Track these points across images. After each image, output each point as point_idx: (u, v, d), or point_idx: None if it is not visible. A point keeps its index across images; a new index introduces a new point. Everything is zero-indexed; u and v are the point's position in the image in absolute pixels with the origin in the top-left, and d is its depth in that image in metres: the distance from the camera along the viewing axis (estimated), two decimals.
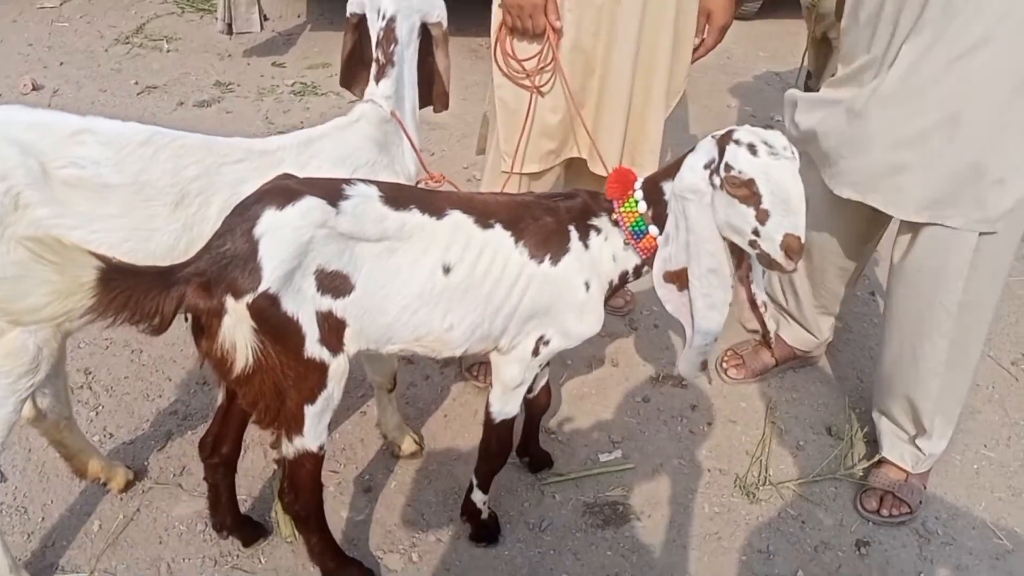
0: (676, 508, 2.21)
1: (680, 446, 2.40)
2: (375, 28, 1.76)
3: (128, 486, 2.04)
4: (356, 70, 1.95)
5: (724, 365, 2.66)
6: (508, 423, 1.85)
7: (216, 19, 4.23)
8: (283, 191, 1.40)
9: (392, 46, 1.76)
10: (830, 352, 2.79)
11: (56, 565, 1.88)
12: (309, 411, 1.52)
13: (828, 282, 2.46)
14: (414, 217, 1.51)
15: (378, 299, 1.50)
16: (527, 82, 2.11)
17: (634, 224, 1.62)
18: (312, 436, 1.55)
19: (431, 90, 1.94)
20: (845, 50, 2.08)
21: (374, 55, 1.77)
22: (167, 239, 1.49)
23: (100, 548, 1.92)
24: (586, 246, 1.65)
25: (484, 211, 1.60)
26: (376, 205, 1.48)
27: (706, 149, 1.49)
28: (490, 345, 1.69)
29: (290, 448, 1.56)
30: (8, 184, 1.33)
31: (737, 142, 1.43)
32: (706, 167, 1.48)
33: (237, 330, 1.37)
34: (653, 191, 1.61)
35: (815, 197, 2.28)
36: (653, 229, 1.61)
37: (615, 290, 1.75)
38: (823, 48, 3.83)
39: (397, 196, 1.52)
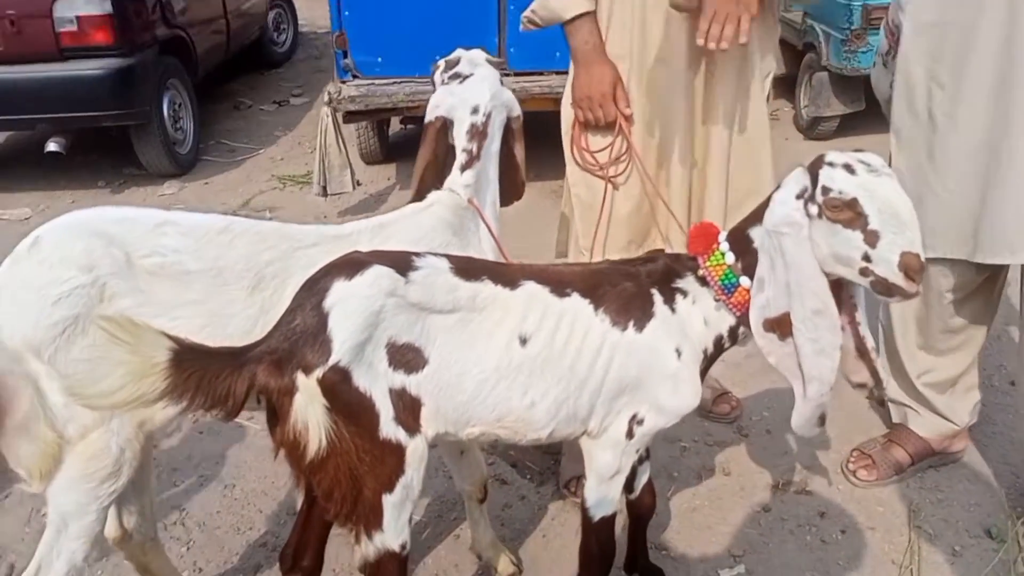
0: None
1: (812, 558, 2.11)
2: (464, 125, 1.82)
3: None
4: (431, 180, 2.00)
5: (851, 467, 2.39)
6: (608, 521, 1.67)
7: (313, 184, 4.54)
8: (351, 263, 1.39)
9: (483, 141, 1.81)
10: (974, 449, 2.47)
11: None
12: (388, 501, 1.41)
13: (951, 339, 2.23)
14: (486, 288, 1.46)
15: (453, 374, 1.43)
16: (601, 174, 2.11)
17: (723, 277, 1.52)
18: (393, 531, 1.43)
19: (503, 184, 1.95)
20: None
21: (462, 147, 1.81)
22: (244, 323, 1.49)
23: None
24: (672, 310, 1.54)
25: (559, 280, 1.53)
26: (447, 276, 1.44)
27: (796, 179, 1.41)
28: (578, 427, 1.56)
29: (370, 547, 1.44)
30: (95, 275, 1.38)
31: (831, 164, 1.37)
32: (799, 197, 1.39)
33: (309, 409, 1.32)
34: (740, 240, 1.52)
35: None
36: (745, 281, 1.51)
37: (711, 360, 1.61)
38: None
39: (468, 267, 1.48)
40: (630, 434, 1.56)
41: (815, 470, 2.42)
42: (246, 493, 2.42)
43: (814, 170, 1.39)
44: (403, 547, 1.46)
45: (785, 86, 5.98)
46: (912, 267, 1.31)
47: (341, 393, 1.32)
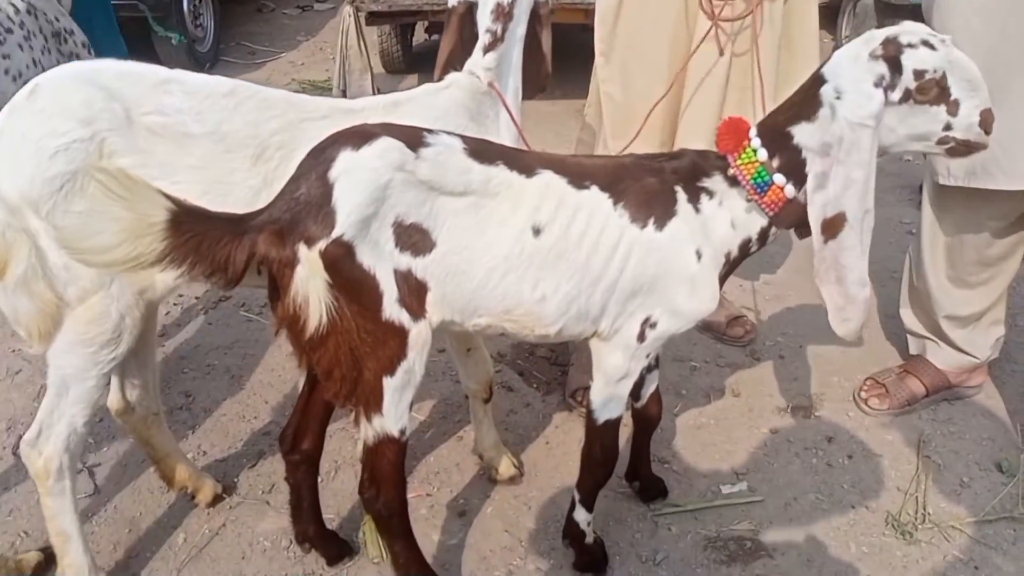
0: (815, 546, 1.89)
1: (816, 479, 2.09)
2: (489, 4, 1.71)
3: (216, 500, 1.95)
4: (453, 67, 1.91)
5: (864, 395, 2.34)
6: (612, 425, 1.64)
7: (333, 87, 4.43)
8: (360, 133, 1.31)
9: (508, 23, 1.71)
10: (991, 385, 2.42)
11: (138, 575, 1.79)
12: (388, 384, 1.38)
13: (982, 273, 2.16)
14: (501, 173, 1.38)
15: (462, 260, 1.37)
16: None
17: (756, 175, 1.44)
18: (393, 416, 1.41)
19: (526, 73, 1.86)
20: None
21: (486, 28, 1.71)
22: (246, 194, 1.44)
23: (183, 560, 1.82)
24: (697, 210, 1.47)
25: (579, 172, 1.45)
26: (460, 156, 1.36)
27: (864, 69, 1.35)
28: (588, 327, 1.52)
29: (369, 431, 1.42)
30: (94, 129, 1.32)
31: (911, 45, 1.34)
32: (878, 86, 1.34)
33: (310, 283, 1.27)
34: (775, 137, 1.44)
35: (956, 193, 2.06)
36: (779, 178, 1.43)
37: (734, 265, 1.55)
38: None
39: (483, 150, 1.40)
40: (642, 337, 1.52)
41: (826, 397, 2.38)
42: (252, 384, 2.42)
43: (891, 54, 1.33)
44: (402, 432, 1.44)
45: (826, 14, 5.72)
46: (989, 121, 1.37)
47: (344, 269, 1.27)
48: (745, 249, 1.52)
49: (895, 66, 1.34)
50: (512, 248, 1.39)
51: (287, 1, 6.95)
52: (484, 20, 1.72)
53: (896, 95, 1.35)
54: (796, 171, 1.43)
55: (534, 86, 1.90)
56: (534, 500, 2.01)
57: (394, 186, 1.29)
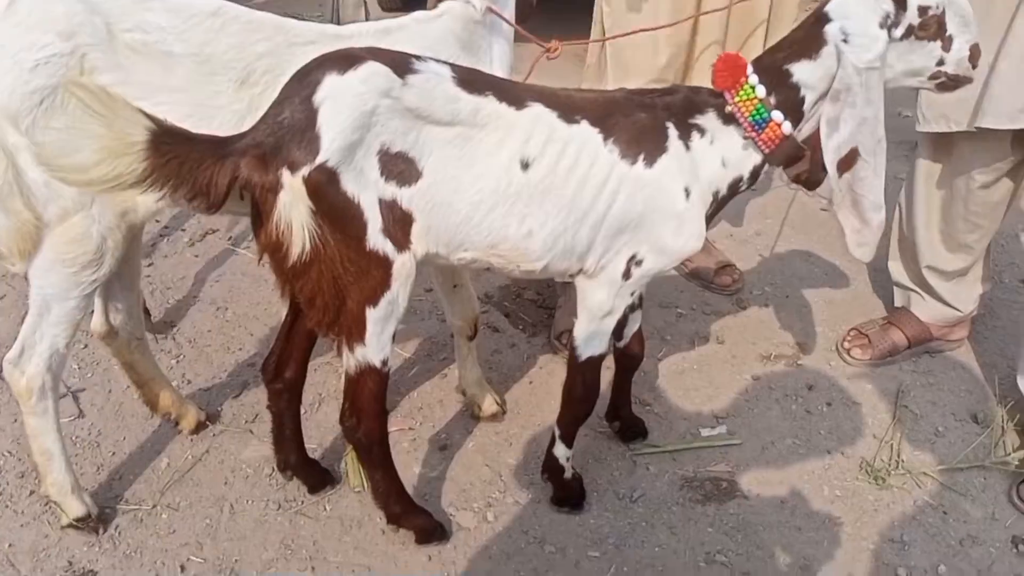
0: (790, 489, 1.93)
1: (795, 425, 2.12)
2: None
3: (199, 428, 1.97)
4: None
5: (846, 345, 2.36)
6: (595, 362, 1.65)
7: (325, 19, 4.34)
8: (346, 57, 1.28)
9: None
10: (973, 340, 2.44)
11: (121, 497, 1.81)
12: (371, 315, 1.38)
13: (970, 231, 2.16)
14: (490, 104, 1.36)
15: (448, 192, 1.35)
16: None
17: (754, 113, 1.43)
18: (375, 347, 1.41)
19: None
20: None
21: None
22: (230, 119, 1.41)
23: (165, 483, 1.84)
24: (687, 147, 1.46)
25: (569, 105, 1.43)
26: (448, 85, 1.33)
27: (870, 7, 1.37)
28: (574, 264, 1.51)
29: (351, 360, 1.43)
30: (74, 44, 1.29)
31: None
32: (882, 26, 1.36)
33: (294, 209, 1.25)
34: (773, 74, 1.43)
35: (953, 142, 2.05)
36: (777, 115, 1.43)
37: (722, 204, 1.55)
38: None
39: (472, 79, 1.38)
40: (627, 274, 1.52)
41: (809, 347, 2.40)
42: (238, 316, 2.42)
43: None
44: (384, 363, 1.44)
45: None
46: (976, 56, 1.43)
47: (327, 195, 1.26)
48: (735, 188, 1.52)
49: (900, 3, 1.35)
50: (499, 182, 1.37)
51: None
52: None
53: (899, 32, 1.37)
54: (793, 108, 1.43)
55: (524, 9, 1.85)
56: (515, 436, 2.04)
57: (380, 113, 1.26)
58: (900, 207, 2.33)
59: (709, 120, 1.47)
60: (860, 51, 1.36)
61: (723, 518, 1.84)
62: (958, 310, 2.28)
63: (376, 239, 1.32)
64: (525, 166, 1.38)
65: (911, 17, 1.37)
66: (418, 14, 1.66)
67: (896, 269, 2.38)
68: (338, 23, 4.31)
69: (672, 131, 1.45)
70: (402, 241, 1.35)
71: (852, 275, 2.74)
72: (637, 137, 1.43)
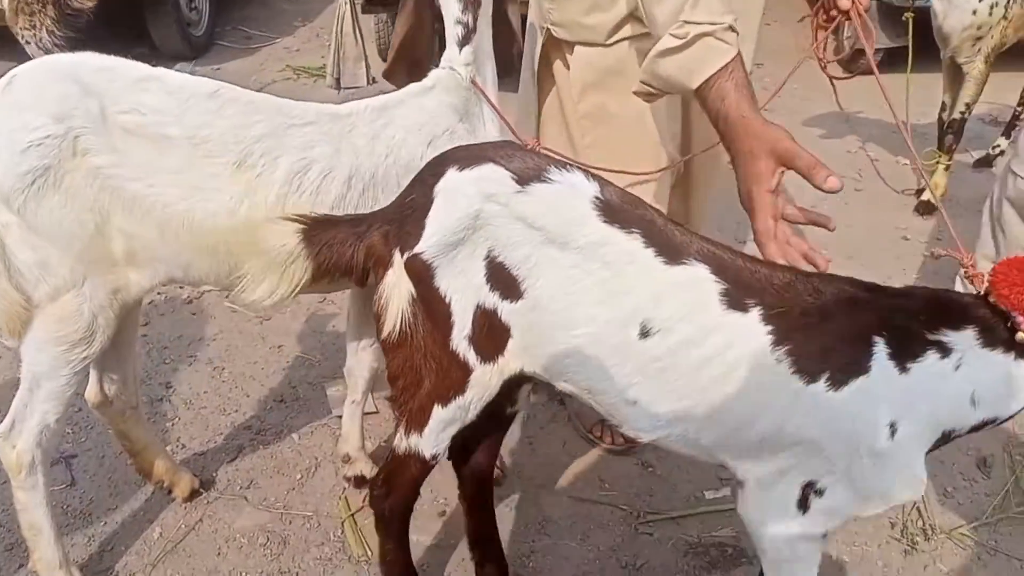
0: None
1: None
2: None
3: (193, 495, 1.93)
4: (403, 58, 1.88)
5: None
6: None
7: (327, 75, 4.38)
8: (476, 152, 1.25)
9: (478, 9, 1.65)
10: None
11: (112, 569, 1.77)
12: (437, 412, 1.31)
13: None
14: (630, 243, 1.14)
15: (549, 321, 1.20)
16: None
17: None
18: (430, 442, 1.34)
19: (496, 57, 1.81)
20: None
21: (456, 19, 1.65)
22: (228, 201, 1.40)
23: (157, 555, 1.80)
24: (903, 369, 1.10)
25: (745, 282, 1.13)
26: (581, 204, 1.17)
27: None
28: (704, 456, 1.25)
29: (403, 442, 1.36)
30: (67, 126, 1.29)
31: None
32: None
33: (395, 288, 1.24)
34: None
35: None
36: None
37: (946, 441, 1.18)
38: (955, 76, 3.54)
39: (623, 209, 1.17)
40: (803, 504, 1.18)
41: None
42: (234, 376, 2.40)
43: None
44: (433, 458, 1.37)
45: None
46: None
47: (422, 285, 1.23)
48: (983, 427, 1.16)
49: None
50: (607, 335, 1.17)
51: None
52: (452, 10, 1.65)
53: None
54: None
55: (505, 66, 1.86)
56: (514, 501, 2.00)
57: (487, 217, 1.18)
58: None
59: (963, 339, 1.11)
60: None
61: None
62: None
63: (460, 343, 1.25)
64: (644, 333, 1.14)
65: None
66: (412, 87, 1.67)
67: None
68: (339, 75, 4.36)
69: (880, 347, 1.11)
70: (490, 353, 1.25)
71: None
72: (826, 349, 1.11)
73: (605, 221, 1.16)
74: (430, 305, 1.24)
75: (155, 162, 1.36)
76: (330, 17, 5.90)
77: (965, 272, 1.16)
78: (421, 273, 1.22)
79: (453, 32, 1.67)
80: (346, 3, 4.22)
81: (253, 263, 1.24)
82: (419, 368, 1.28)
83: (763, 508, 1.22)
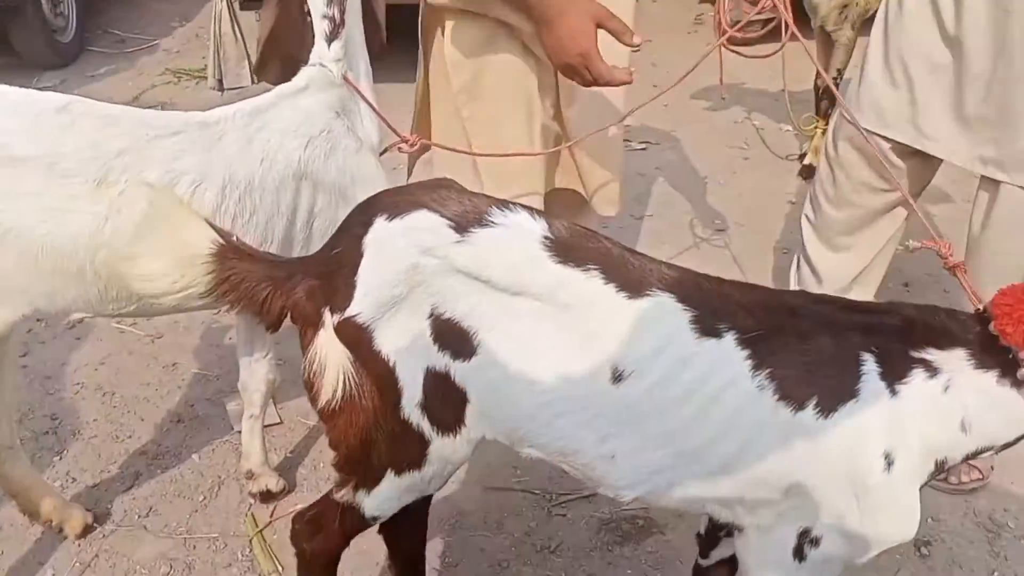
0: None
1: None
2: None
3: (86, 531, 1.84)
4: (272, 54, 1.84)
5: None
6: None
7: (208, 77, 4.22)
8: (406, 197, 1.12)
9: (344, 2, 1.60)
10: None
11: None
12: (391, 480, 1.19)
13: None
14: (588, 282, 1.04)
15: (506, 379, 1.08)
16: None
17: None
18: (375, 505, 1.23)
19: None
20: None
21: (322, 14, 1.60)
22: (90, 223, 1.32)
23: None
24: (893, 391, 1.02)
25: (714, 306, 1.06)
26: (529, 246, 1.06)
27: None
28: (698, 509, 1.18)
29: (348, 493, 1.23)
30: None
31: None
32: None
33: (331, 351, 1.11)
34: None
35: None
36: None
37: (941, 471, 1.10)
38: (826, 43, 3.69)
39: (576, 245, 1.07)
40: (800, 554, 1.10)
41: None
42: (126, 400, 2.29)
43: None
44: (374, 518, 1.28)
45: None
46: None
47: (360, 350, 1.11)
48: (974, 456, 1.09)
49: None
50: (577, 386, 1.06)
51: None
52: (317, 5, 1.60)
53: None
54: None
55: (373, 45, 1.82)
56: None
57: (426, 272, 1.07)
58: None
59: (951, 359, 1.03)
60: None
61: (642, 557, 1.83)
62: None
63: (412, 412, 1.12)
64: (617, 378, 1.04)
65: None
66: (282, 88, 1.62)
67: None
68: (221, 76, 4.20)
69: (870, 366, 1.03)
70: (448, 422, 1.14)
71: None
72: (810, 373, 1.03)
73: (559, 261, 1.06)
74: (372, 371, 1.11)
75: (9, 187, 1.27)
76: (210, 15, 5.70)
77: (946, 263, 1.13)
78: (357, 337, 1.09)
79: (320, 27, 1.62)
80: (222, 1, 4.08)
81: (163, 238, 1.13)
82: (368, 431, 1.14)
83: (762, 558, 1.14)
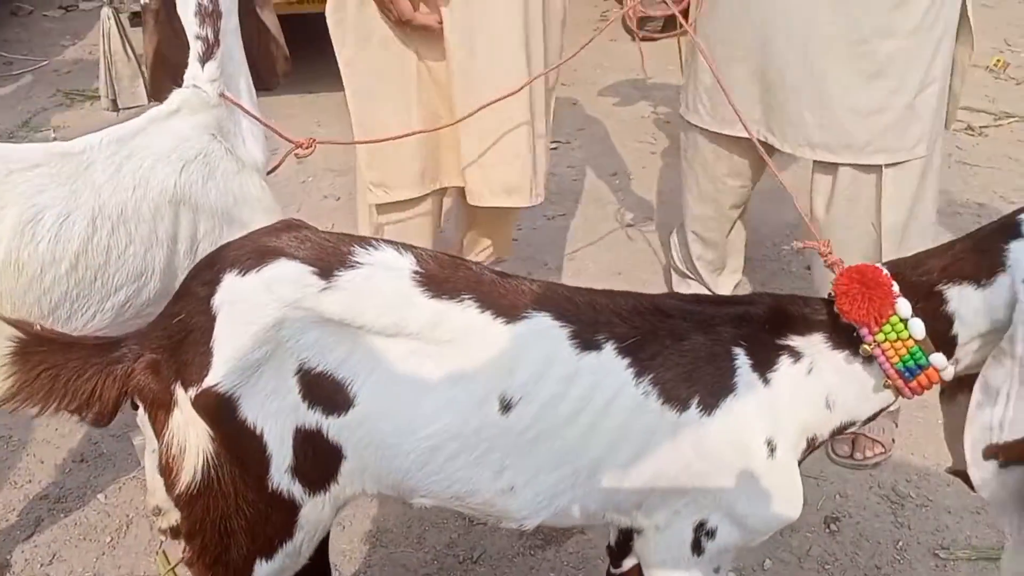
0: None
1: None
2: (188, 6, 1.56)
3: None
4: (162, 72, 1.79)
5: None
6: None
7: (101, 97, 4.06)
8: (255, 250, 1.04)
9: (217, 22, 1.56)
10: None
11: None
12: (261, 569, 1.11)
13: (720, 233, 2.33)
14: (464, 313, 1.03)
15: (389, 428, 1.05)
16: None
17: (907, 359, 1.04)
18: None
19: (256, 64, 1.74)
20: None
21: (195, 35, 1.56)
22: None
23: None
24: (766, 380, 1.07)
25: (590, 319, 1.06)
26: (400, 283, 1.03)
27: None
28: (597, 520, 1.18)
29: None
30: None
31: None
32: None
33: (189, 430, 1.03)
34: (924, 298, 1.04)
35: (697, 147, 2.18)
36: (939, 359, 1.04)
37: (814, 449, 1.15)
38: None
39: (446, 278, 1.05)
40: (698, 548, 1.13)
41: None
42: (24, 443, 2.18)
43: None
44: None
45: None
46: None
47: (221, 423, 1.03)
48: (841, 431, 1.14)
49: None
50: (466, 423, 1.05)
51: (47, 1, 6.28)
52: (190, 26, 1.56)
53: None
54: (945, 345, 1.05)
55: (270, 75, 1.80)
56: (346, 520, 1.95)
57: (290, 325, 1.01)
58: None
59: (810, 343, 1.08)
60: None
61: (564, 559, 1.85)
62: None
63: (281, 479, 1.06)
64: (506, 407, 1.04)
65: None
66: (152, 112, 1.57)
67: (676, 256, 2.54)
68: (115, 95, 4.05)
69: (742, 360, 1.07)
70: (319, 482, 1.09)
71: None
72: (689, 372, 1.06)
73: (433, 296, 1.04)
74: (237, 444, 1.04)
75: None
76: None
77: (825, 261, 1.17)
78: (219, 410, 1.01)
79: (194, 48, 1.58)
80: (110, 19, 3.92)
81: None
82: (227, 520, 1.07)
83: (662, 557, 1.16)
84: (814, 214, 1.96)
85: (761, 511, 1.10)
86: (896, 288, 1.04)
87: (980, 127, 3.84)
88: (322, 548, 1.37)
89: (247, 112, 1.67)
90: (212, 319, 1.01)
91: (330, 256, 1.03)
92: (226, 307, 1.01)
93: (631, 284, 2.85)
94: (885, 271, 1.06)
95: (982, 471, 1.03)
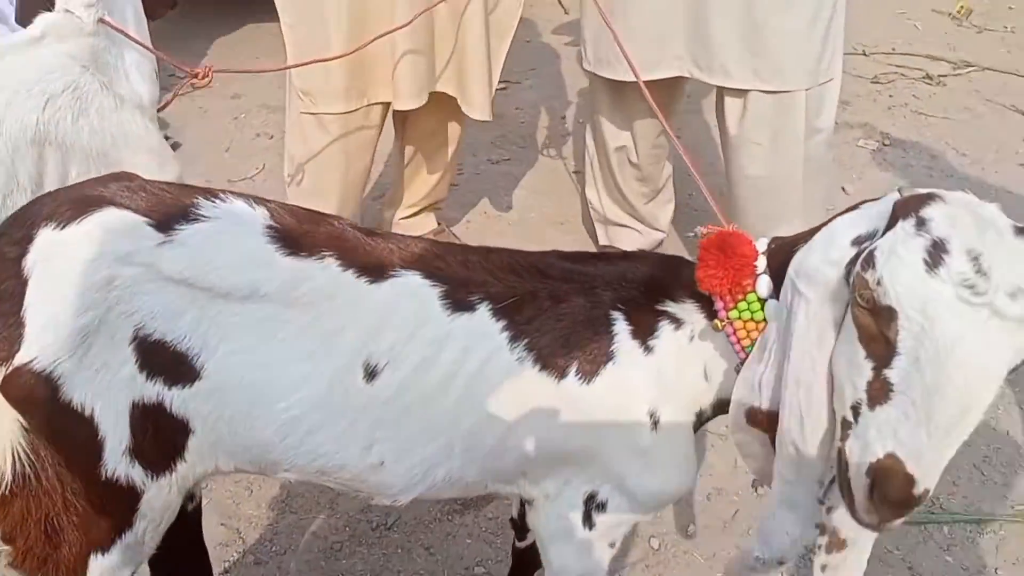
0: None
1: None
2: None
3: None
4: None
5: None
6: None
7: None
8: (79, 196, 0.90)
9: None
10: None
11: None
12: (97, 564, 0.98)
13: (647, 165, 2.28)
14: (324, 272, 0.93)
15: (244, 400, 0.95)
16: None
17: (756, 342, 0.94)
18: None
19: None
20: None
21: None
22: None
23: None
24: (647, 348, 0.99)
25: (463, 277, 0.98)
26: (255, 240, 0.92)
27: (874, 212, 0.84)
28: (483, 491, 1.12)
29: None
30: None
31: (921, 223, 0.77)
32: (855, 242, 0.83)
33: None
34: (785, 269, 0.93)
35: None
36: None
37: (705, 421, 1.07)
38: None
39: (306, 232, 0.95)
40: (589, 521, 1.06)
41: None
42: None
43: (899, 214, 0.81)
44: None
45: None
46: (884, 483, 0.80)
47: (40, 408, 0.88)
48: (723, 407, 1.03)
49: (887, 229, 0.85)
50: (328, 392, 0.95)
51: None
52: None
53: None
54: None
55: (160, 3, 1.63)
56: (256, 482, 1.85)
57: (124, 286, 0.88)
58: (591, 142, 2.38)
59: (688, 311, 0.99)
60: (803, 253, 0.88)
61: (482, 524, 1.77)
62: (660, 230, 2.41)
63: (118, 464, 0.93)
64: (371, 374, 0.95)
65: (860, 261, 0.80)
66: (15, 37, 1.41)
67: (600, 207, 2.43)
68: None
69: (621, 325, 0.99)
70: (163, 461, 0.97)
71: None
72: (567, 336, 0.97)
73: (289, 253, 0.94)
74: (60, 431, 0.91)
75: None
76: None
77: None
78: (36, 393, 0.87)
79: None
80: None
81: None
82: (54, 519, 0.94)
83: (554, 528, 1.09)
84: (725, 136, 2.05)
85: (649, 483, 1.04)
86: (762, 263, 0.93)
87: (939, 75, 3.73)
88: (194, 530, 1.27)
89: (133, 40, 1.50)
90: (23, 283, 0.87)
91: (169, 207, 0.91)
92: (41, 266, 0.87)
93: (574, 235, 2.74)
94: (759, 243, 0.95)
95: (743, 434, 0.97)
